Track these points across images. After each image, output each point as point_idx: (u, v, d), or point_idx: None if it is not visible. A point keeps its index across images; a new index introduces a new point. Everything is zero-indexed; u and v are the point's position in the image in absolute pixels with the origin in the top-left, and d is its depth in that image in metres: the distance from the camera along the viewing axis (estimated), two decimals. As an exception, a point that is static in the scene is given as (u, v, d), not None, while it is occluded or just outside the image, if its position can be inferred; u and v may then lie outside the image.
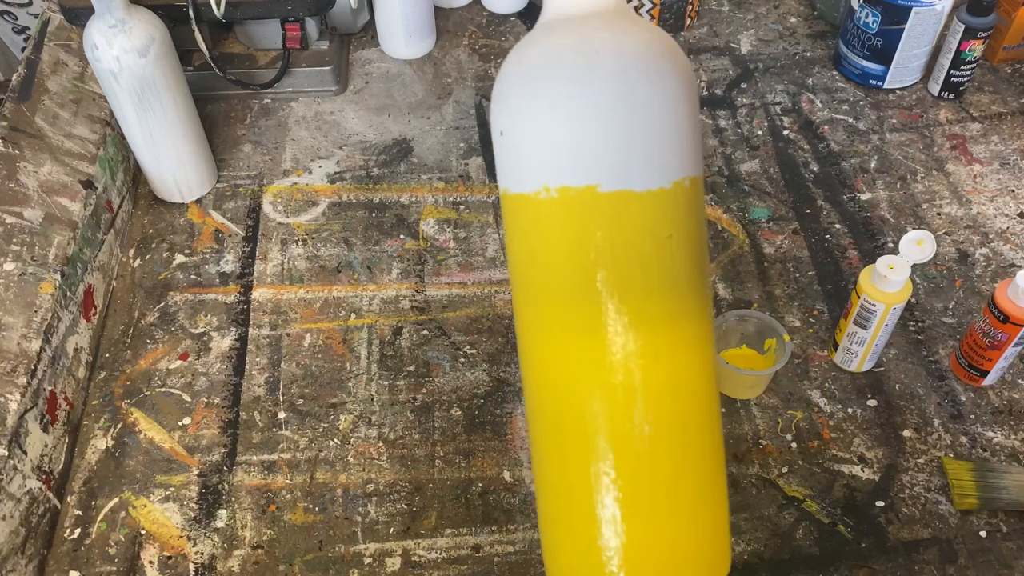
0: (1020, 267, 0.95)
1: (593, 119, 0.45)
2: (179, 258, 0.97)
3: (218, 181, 1.05)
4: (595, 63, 0.46)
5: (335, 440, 0.82)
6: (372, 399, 0.85)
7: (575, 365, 0.47)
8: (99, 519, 0.78)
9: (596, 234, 0.46)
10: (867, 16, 1.09)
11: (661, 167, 0.46)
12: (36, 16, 1.35)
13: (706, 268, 0.50)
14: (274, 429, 0.83)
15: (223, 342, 0.90)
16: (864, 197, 1.02)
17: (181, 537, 0.76)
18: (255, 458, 0.81)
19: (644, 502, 0.47)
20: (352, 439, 0.82)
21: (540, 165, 0.47)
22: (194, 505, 0.78)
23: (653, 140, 0.46)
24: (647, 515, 0.47)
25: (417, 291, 0.94)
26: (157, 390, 0.86)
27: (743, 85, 1.17)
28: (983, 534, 0.75)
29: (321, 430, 0.83)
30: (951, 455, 0.80)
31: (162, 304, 0.93)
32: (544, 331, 0.49)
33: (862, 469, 0.80)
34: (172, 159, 0.98)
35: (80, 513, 0.78)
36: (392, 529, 0.77)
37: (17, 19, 1.38)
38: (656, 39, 0.48)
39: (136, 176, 1.05)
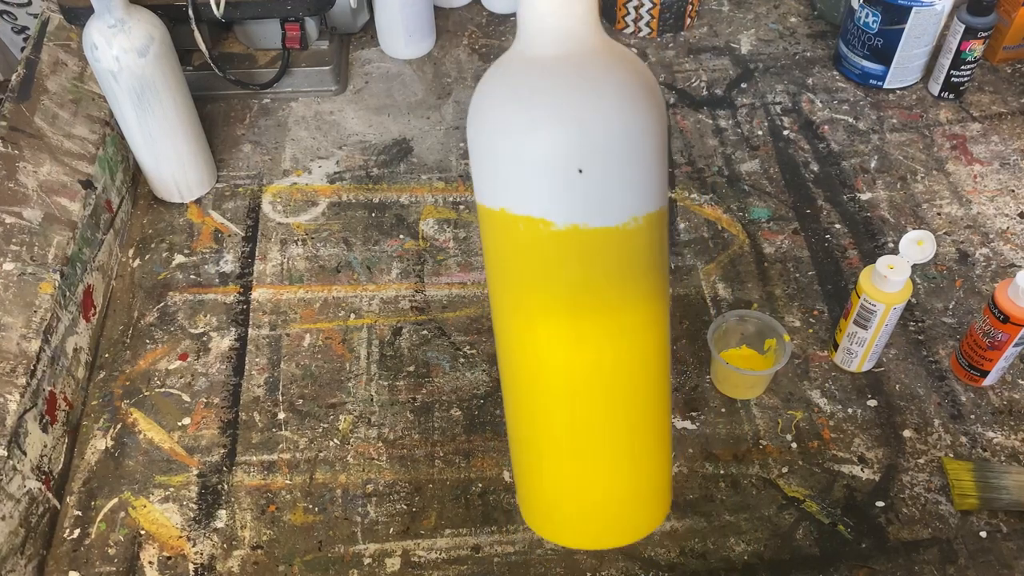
0: (1020, 267, 0.95)
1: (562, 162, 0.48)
2: (179, 258, 0.97)
3: (218, 181, 1.05)
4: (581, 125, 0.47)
5: (335, 440, 0.82)
6: (372, 399, 0.85)
7: (546, 343, 0.54)
8: (99, 519, 0.78)
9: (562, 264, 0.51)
10: (867, 16, 1.08)
11: (622, 205, 0.50)
12: (36, 16, 1.35)
13: (662, 271, 0.54)
14: (274, 429, 0.83)
15: (223, 342, 0.90)
16: (864, 197, 1.02)
17: (181, 537, 0.76)
18: (255, 458, 0.81)
19: (590, 454, 0.57)
20: (352, 439, 0.82)
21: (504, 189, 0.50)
22: (194, 505, 0.78)
23: (617, 181, 0.49)
24: (589, 463, 0.57)
25: (417, 291, 0.94)
26: (157, 390, 0.86)
27: (743, 85, 1.17)
28: (983, 534, 0.75)
29: (321, 430, 0.83)
30: (951, 455, 0.80)
31: (161, 304, 0.93)
32: (512, 316, 0.55)
33: (862, 469, 0.80)
34: (172, 159, 0.98)
35: (80, 513, 0.78)
36: (392, 529, 0.76)
37: (17, 19, 1.38)
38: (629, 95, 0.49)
39: (136, 176, 1.05)
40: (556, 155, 0.47)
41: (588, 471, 0.58)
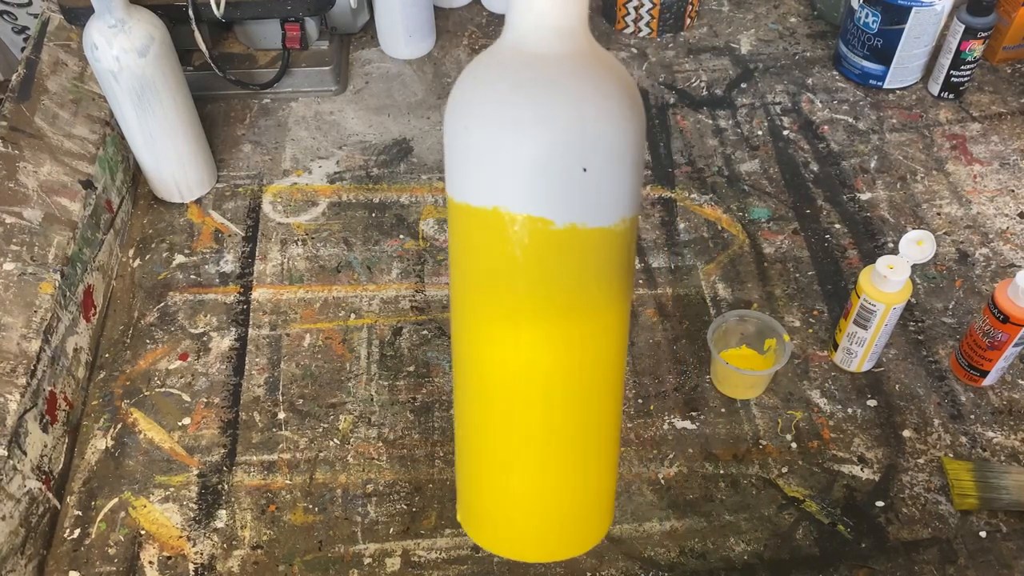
0: (1020, 267, 0.95)
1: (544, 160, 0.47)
2: (179, 258, 0.97)
3: (218, 181, 1.05)
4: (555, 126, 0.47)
5: (335, 440, 0.82)
6: (372, 399, 0.85)
7: (496, 348, 0.53)
8: (99, 519, 0.78)
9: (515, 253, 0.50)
10: (867, 16, 1.09)
11: (616, 206, 0.49)
12: (36, 16, 1.35)
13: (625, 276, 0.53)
14: (274, 429, 0.83)
15: (223, 342, 0.90)
16: (864, 197, 1.02)
17: (181, 537, 0.76)
18: (255, 458, 0.81)
19: (531, 463, 0.55)
20: (352, 439, 0.82)
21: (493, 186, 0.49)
22: (194, 505, 0.78)
23: (615, 181, 0.48)
24: (530, 471, 0.56)
25: (417, 291, 0.94)
26: (157, 390, 0.86)
27: (743, 85, 1.17)
28: (983, 534, 0.75)
29: (321, 430, 0.83)
30: (951, 455, 0.80)
31: (162, 304, 0.93)
32: (471, 319, 0.53)
33: (862, 469, 0.80)
34: (172, 159, 0.98)
35: (80, 513, 0.78)
36: (392, 529, 0.77)
37: (17, 19, 1.38)
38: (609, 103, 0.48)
39: (136, 176, 1.05)
40: (560, 153, 0.47)
41: (559, 476, 0.56)
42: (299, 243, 0.99)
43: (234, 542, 0.76)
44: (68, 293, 0.85)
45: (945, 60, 1.10)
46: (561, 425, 0.54)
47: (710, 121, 1.12)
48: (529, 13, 0.47)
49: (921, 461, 0.80)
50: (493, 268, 0.50)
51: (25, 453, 0.74)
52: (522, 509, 0.57)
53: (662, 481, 0.79)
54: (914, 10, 1.05)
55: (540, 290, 0.50)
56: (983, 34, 1.05)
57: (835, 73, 1.18)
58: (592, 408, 0.55)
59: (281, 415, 0.84)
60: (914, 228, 0.99)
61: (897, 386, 0.85)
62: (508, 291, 0.50)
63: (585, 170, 0.47)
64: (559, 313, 0.51)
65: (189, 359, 0.88)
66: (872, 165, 1.06)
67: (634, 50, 1.22)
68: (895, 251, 0.96)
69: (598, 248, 0.50)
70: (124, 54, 0.88)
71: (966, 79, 1.11)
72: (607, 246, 0.50)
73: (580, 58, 0.48)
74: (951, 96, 1.13)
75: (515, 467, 0.56)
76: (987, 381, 0.84)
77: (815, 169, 1.06)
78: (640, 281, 0.94)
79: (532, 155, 0.47)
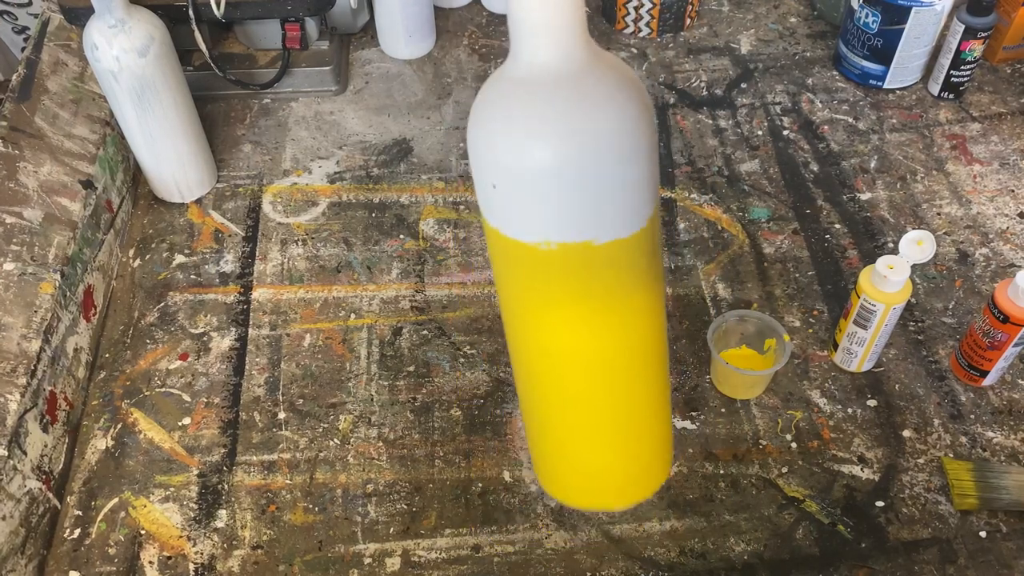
0: (1020, 267, 0.95)
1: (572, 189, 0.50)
2: (179, 258, 0.97)
3: (218, 181, 1.05)
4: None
5: (335, 440, 0.82)
6: (372, 399, 0.85)
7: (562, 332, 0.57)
8: (99, 519, 0.78)
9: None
10: (867, 16, 1.09)
11: (624, 220, 0.52)
12: (36, 16, 1.35)
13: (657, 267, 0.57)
14: (274, 429, 0.83)
15: (223, 342, 0.90)
16: (864, 197, 1.02)
17: (181, 537, 0.76)
18: (255, 458, 0.81)
19: (598, 432, 0.62)
20: (352, 439, 0.82)
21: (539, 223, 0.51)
22: (194, 505, 0.78)
23: (620, 199, 0.51)
24: (598, 440, 0.63)
25: (417, 291, 0.94)
26: (157, 390, 0.86)
27: (743, 85, 1.17)
28: (983, 534, 0.75)
29: (321, 430, 0.83)
30: (951, 455, 0.80)
31: (162, 304, 0.93)
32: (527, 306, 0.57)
33: (862, 469, 0.80)
34: (172, 159, 0.98)
35: (80, 513, 0.78)
36: (392, 529, 0.77)
37: (17, 19, 1.38)
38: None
39: (136, 176, 1.05)
40: (564, 176, 0.48)
41: (620, 438, 0.63)
42: (299, 243, 0.99)
43: (234, 542, 0.76)
44: (68, 293, 0.85)
45: (945, 60, 1.10)
46: (613, 394, 0.60)
47: (710, 121, 1.12)
48: (522, 32, 0.47)
49: (921, 461, 0.80)
50: (532, 273, 0.54)
51: (25, 453, 0.74)
52: (589, 468, 0.65)
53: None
54: (914, 10, 1.05)
55: (578, 287, 0.53)
56: (983, 34, 1.05)
57: (835, 73, 1.18)
58: (638, 379, 0.60)
59: (281, 415, 0.84)
60: (914, 228, 0.99)
61: (897, 386, 0.85)
62: (547, 288, 0.54)
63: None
64: (597, 300, 0.54)
65: (189, 359, 0.88)
66: (872, 165, 1.06)
67: (634, 50, 1.22)
68: (895, 251, 0.96)
69: (630, 248, 0.53)
70: (124, 54, 0.88)
71: (966, 79, 1.11)
72: (636, 245, 0.53)
73: (580, 76, 0.48)
74: (951, 96, 1.13)
75: (585, 435, 0.63)
76: (987, 381, 0.84)
77: (815, 169, 1.06)
78: (640, 281, 0.94)
79: (533, 181, 0.49)
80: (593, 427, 0.62)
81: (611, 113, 0.48)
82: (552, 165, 0.47)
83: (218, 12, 1.02)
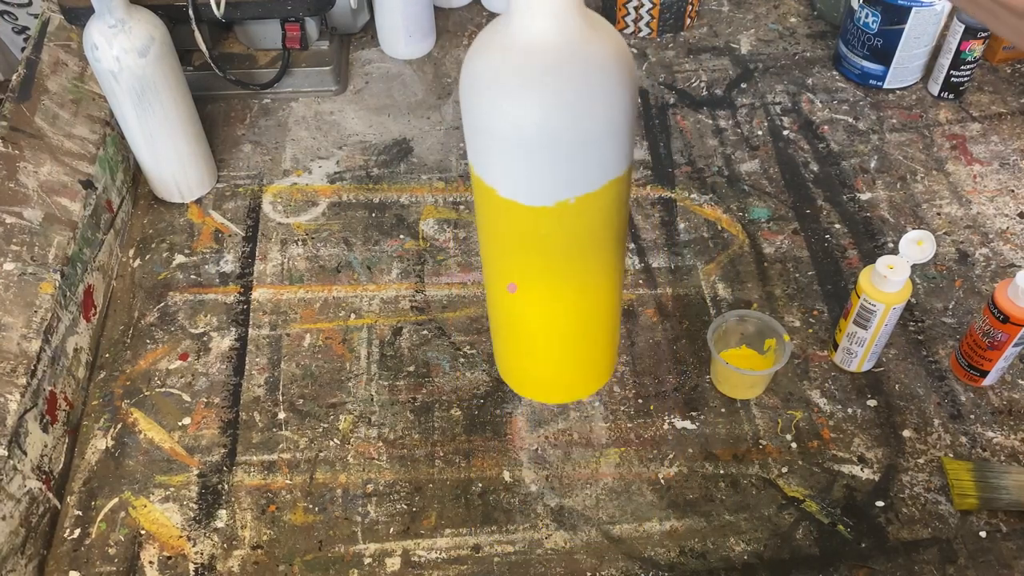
0: (1020, 267, 0.95)
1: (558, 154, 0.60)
2: (179, 258, 0.97)
3: (218, 181, 1.05)
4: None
5: (335, 440, 0.82)
6: (372, 399, 0.85)
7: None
8: (99, 519, 0.78)
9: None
10: (867, 16, 1.09)
11: (604, 173, 0.62)
12: (36, 16, 1.35)
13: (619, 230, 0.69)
14: (274, 429, 0.83)
15: (223, 342, 0.90)
16: (864, 197, 1.02)
17: (181, 537, 0.76)
18: (255, 458, 0.81)
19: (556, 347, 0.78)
20: (352, 439, 0.82)
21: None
22: (194, 505, 0.78)
23: (607, 155, 0.61)
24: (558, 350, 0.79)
25: (417, 291, 0.94)
26: (157, 390, 0.86)
27: (743, 85, 1.17)
28: (983, 534, 0.75)
29: (321, 430, 0.83)
30: (951, 455, 0.80)
31: (162, 304, 0.93)
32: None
33: (862, 469, 0.80)
34: (172, 159, 0.98)
35: (80, 513, 0.78)
36: (392, 529, 0.77)
37: (17, 19, 1.38)
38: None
39: (136, 176, 1.05)
40: (547, 134, 0.56)
41: (572, 344, 0.78)
42: (299, 243, 0.99)
43: (234, 542, 0.76)
44: (68, 293, 0.85)
45: (945, 60, 1.10)
46: (574, 310, 0.73)
47: (710, 121, 1.12)
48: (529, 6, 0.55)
49: (921, 461, 0.80)
50: (515, 231, 0.65)
51: (25, 453, 0.74)
52: (545, 367, 0.81)
53: (662, 481, 0.79)
54: (914, 10, 1.05)
55: (558, 235, 0.65)
56: (983, 34, 1.05)
57: (835, 73, 1.18)
58: (599, 305, 0.74)
59: (281, 415, 0.84)
60: (914, 228, 0.99)
61: (897, 386, 0.85)
62: (517, 245, 0.67)
63: (567, 152, 0.60)
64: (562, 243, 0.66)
65: (189, 359, 0.88)
66: (872, 165, 1.06)
67: (634, 50, 1.22)
68: (895, 251, 0.96)
69: (599, 201, 0.63)
70: (124, 54, 0.88)
71: (966, 79, 1.11)
72: (606, 197, 0.63)
73: (575, 44, 0.55)
74: (951, 96, 1.13)
75: (544, 339, 0.77)
76: (987, 381, 0.84)
77: (815, 169, 1.06)
78: (640, 281, 0.94)
79: (517, 137, 0.57)
80: (551, 333, 0.75)
81: (601, 79, 0.56)
82: (543, 116, 0.56)
83: (218, 12, 1.02)
